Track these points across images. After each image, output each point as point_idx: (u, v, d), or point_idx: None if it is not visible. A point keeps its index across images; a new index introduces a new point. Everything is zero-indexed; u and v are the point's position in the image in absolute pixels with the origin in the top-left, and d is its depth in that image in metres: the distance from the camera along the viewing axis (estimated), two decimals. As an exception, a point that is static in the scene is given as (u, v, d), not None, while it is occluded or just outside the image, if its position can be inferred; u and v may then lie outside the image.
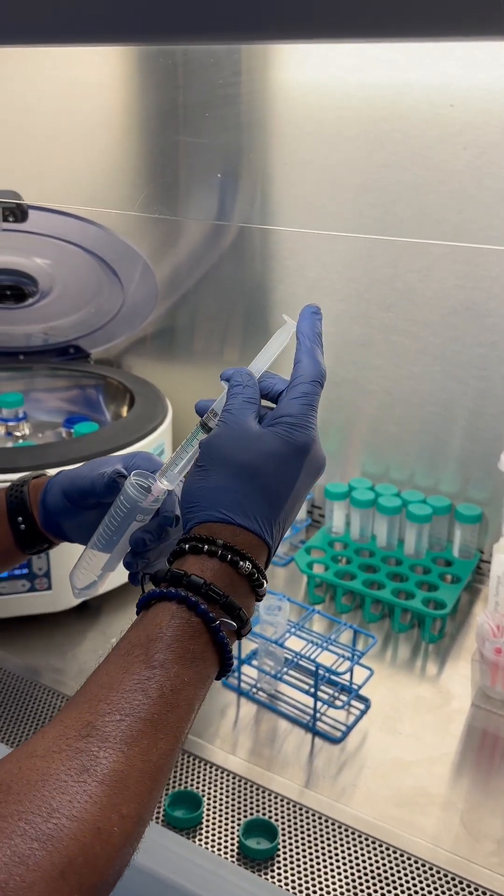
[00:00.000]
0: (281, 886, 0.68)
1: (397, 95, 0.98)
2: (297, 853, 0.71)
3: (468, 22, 0.83)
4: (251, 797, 0.76)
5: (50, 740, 0.41)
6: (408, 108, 0.97)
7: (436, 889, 0.68)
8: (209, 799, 0.76)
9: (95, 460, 0.65)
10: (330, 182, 1.06)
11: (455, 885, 0.68)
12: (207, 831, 0.73)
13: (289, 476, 0.51)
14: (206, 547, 0.48)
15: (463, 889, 0.68)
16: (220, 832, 0.73)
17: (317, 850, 0.71)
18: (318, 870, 0.69)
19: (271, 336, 0.58)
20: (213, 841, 0.72)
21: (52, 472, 0.69)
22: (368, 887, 0.68)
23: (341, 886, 0.68)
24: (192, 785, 0.77)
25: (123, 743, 0.41)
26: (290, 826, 0.73)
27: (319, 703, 0.85)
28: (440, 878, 0.69)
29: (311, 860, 0.70)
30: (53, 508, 0.65)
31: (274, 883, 0.68)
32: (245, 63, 1.07)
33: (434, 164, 0.98)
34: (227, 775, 0.79)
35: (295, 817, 0.74)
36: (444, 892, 0.68)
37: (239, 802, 0.76)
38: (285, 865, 0.70)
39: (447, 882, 0.69)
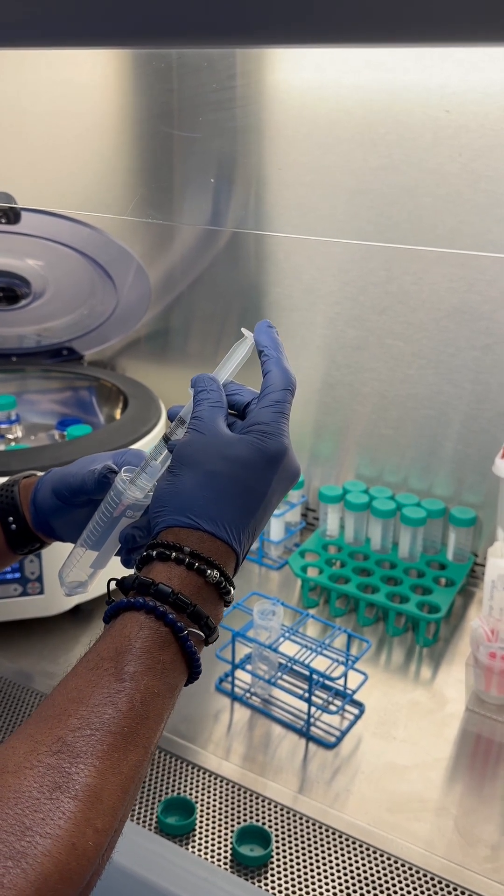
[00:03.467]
0: (275, 893, 0.68)
1: (392, 98, 0.97)
2: (291, 860, 0.70)
3: (474, 27, 0.83)
4: (245, 803, 0.76)
5: (21, 756, 0.40)
6: (403, 112, 0.97)
7: (430, 895, 0.68)
8: (202, 805, 0.75)
9: (85, 458, 0.65)
10: (325, 185, 1.06)
11: (449, 892, 0.68)
12: (201, 838, 0.72)
13: (260, 484, 0.50)
14: (173, 554, 0.48)
15: (456, 895, 0.68)
16: (213, 839, 0.72)
17: (310, 857, 0.71)
18: (312, 876, 0.69)
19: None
20: (206, 848, 0.71)
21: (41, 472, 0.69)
22: (363, 894, 0.68)
23: (335, 893, 0.68)
24: (185, 791, 0.77)
25: (95, 758, 0.41)
26: (283, 832, 0.73)
27: (313, 708, 0.85)
28: (434, 885, 0.69)
29: (305, 867, 0.70)
30: (44, 507, 0.65)
31: (268, 890, 0.68)
32: (240, 66, 1.06)
33: (429, 167, 0.98)
34: (221, 781, 0.78)
35: (288, 824, 0.74)
36: (438, 899, 0.68)
37: (232, 809, 0.75)
38: (279, 872, 0.69)
39: (441, 888, 0.68)
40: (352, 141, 1.02)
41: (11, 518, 0.67)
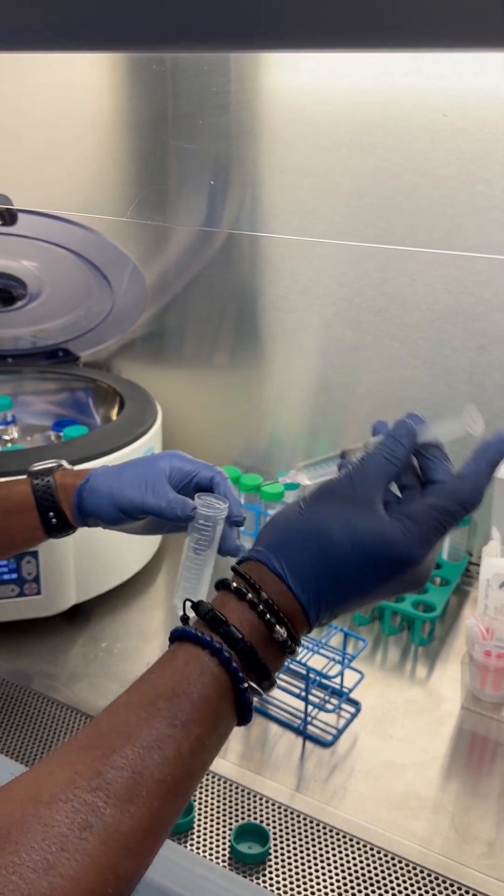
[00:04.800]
0: (273, 891, 0.68)
1: (390, 101, 0.98)
2: (289, 857, 0.71)
3: (471, 33, 0.84)
4: (242, 801, 0.76)
5: (58, 786, 0.39)
6: (401, 115, 0.98)
7: (427, 892, 0.68)
8: (200, 803, 0.76)
9: (140, 475, 0.70)
10: (322, 187, 1.06)
11: (446, 888, 0.69)
12: (199, 836, 0.73)
13: (370, 578, 0.47)
14: (249, 595, 0.47)
15: (454, 892, 0.68)
16: (211, 837, 0.73)
17: (308, 854, 0.71)
18: (310, 873, 0.69)
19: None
20: (204, 845, 0.72)
21: (70, 465, 0.76)
22: (360, 890, 0.68)
23: (333, 890, 0.68)
24: (183, 789, 0.77)
25: (131, 803, 0.39)
26: (281, 830, 0.73)
27: (310, 707, 0.85)
28: (431, 881, 0.69)
29: (303, 864, 0.70)
30: (99, 514, 0.70)
31: (266, 887, 0.68)
32: (236, 69, 1.07)
33: (426, 169, 0.98)
34: (218, 780, 0.79)
35: (286, 821, 0.74)
36: (434, 895, 0.68)
37: (230, 807, 0.76)
38: (277, 869, 0.70)
39: (438, 885, 0.69)
40: (349, 144, 1.03)
41: (52, 514, 0.72)
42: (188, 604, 0.49)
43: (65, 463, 0.77)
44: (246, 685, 0.45)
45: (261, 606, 0.46)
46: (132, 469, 0.72)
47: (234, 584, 0.48)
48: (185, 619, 0.49)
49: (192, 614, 0.48)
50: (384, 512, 0.48)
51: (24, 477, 0.75)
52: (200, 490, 0.71)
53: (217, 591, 0.50)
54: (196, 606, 0.48)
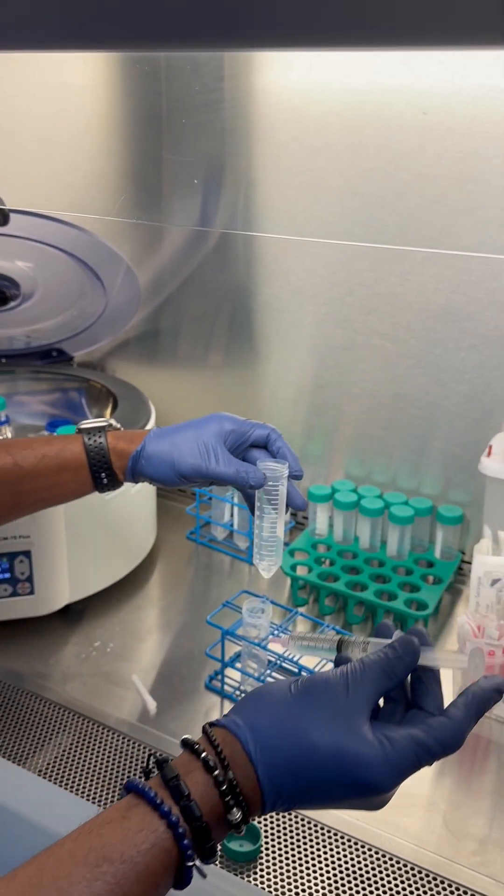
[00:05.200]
0: (264, 889, 0.68)
1: (380, 101, 0.98)
2: (280, 855, 0.71)
3: (460, 31, 0.84)
4: (235, 799, 0.77)
5: None
6: (391, 114, 0.98)
7: (417, 889, 0.68)
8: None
9: (198, 439, 0.73)
10: (313, 187, 1.07)
11: (436, 885, 0.69)
12: (191, 834, 0.73)
13: (337, 793, 0.47)
14: (216, 772, 0.47)
15: (445, 888, 0.69)
16: (203, 835, 0.73)
17: (299, 852, 0.71)
18: (301, 872, 0.70)
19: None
20: (196, 844, 0.72)
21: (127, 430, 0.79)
22: (351, 888, 0.68)
23: (324, 888, 0.68)
24: (175, 788, 0.77)
25: None
26: (272, 828, 0.74)
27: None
28: (422, 878, 0.69)
29: (294, 862, 0.71)
30: (158, 479, 0.74)
31: (257, 885, 0.68)
32: (228, 68, 1.07)
33: (417, 169, 0.99)
34: (211, 778, 0.79)
35: (277, 819, 0.75)
36: (426, 893, 0.68)
37: (222, 805, 0.76)
38: (268, 867, 0.70)
39: (429, 882, 0.69)
40: (340, 143, 1.03)
41: (104, 474, 0.76)
42: (152, 759, 0.49)
43: (114, 422, 0.80)
44: (192, 863, 0.45)
45: (225, 786, 0.46)
46: (187, 434, 0.74)
47: (204, 754, 0.47)
48: (147, 771, 0.48)
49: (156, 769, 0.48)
50: (370, 731, 0.47)
51: (75, 434, 0.78)
52: (254, 447, 0.75)
53: (182, 749, 0.49)
54: (161, 766, 0.47)
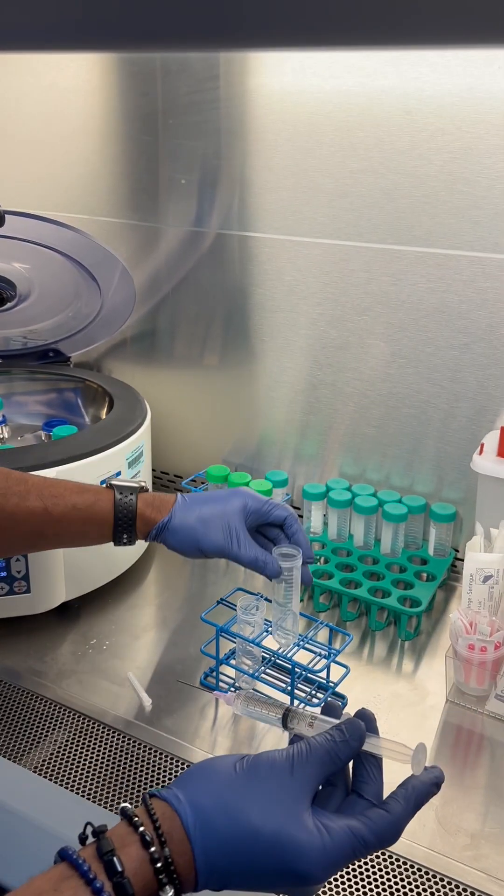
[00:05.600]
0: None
1: (371, 102, 0.99)
2: (274, 849, 0.72)
3: (450, 31, 0.85)
4: (229, 795, 0.77)
5: None
6: (381, 115, 0.99)
7: (411, 884, 0.69)
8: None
9: (222, 518, 0.79)
10: (305, 188, 1.07)
11: (430, 880, 0.70)
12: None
13: (271, 878, 0.47)
14: (153, 849, 0.46)
15: (437, 883, 0.69)
16: (197, 830, 0.73)
17: (293, 846, 0.72)
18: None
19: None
20: (190, 838, 0.73)
21: (161, 498, 0.83)
22: (344, 883, 0.69)
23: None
24: (170, 784, 0.78)
25: None
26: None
27: (296, 702, 0.86)
28: (415, 873, 0.70)
29: (288, 856, 0.71)
30: (180, 550, 0.81)
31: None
32: (223, 69, 1.08)
33: (407, 169, 0.99)
34: (205, 774, 0.79)
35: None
36: (419, 887, 0.69)
37: (216, 800, 0.77)
38: (262, 861, 0.71)
39: (421, 876, 0.70)
40: (331, 144, 1.04)
41: (126, 535, 0.80)
42: (89, 828, 0.48)
43: (145, 483, 0.86)
44: None
45: (160, 864, 0.46)
46: (212, 510, 0.80)
47: (142, 828, 0.47)
48: (83, 838, 0.48)
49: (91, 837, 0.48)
50: (310, 818, 0.48)
51: (106, 488, 0.82)
52: (270, 525, 0.83)
53: (121, 818, 0.49)
54: (98, 838, 0.47)
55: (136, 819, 0.48)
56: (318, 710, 0.59)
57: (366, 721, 0.53)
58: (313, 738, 0.51)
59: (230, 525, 0.79)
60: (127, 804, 0.49)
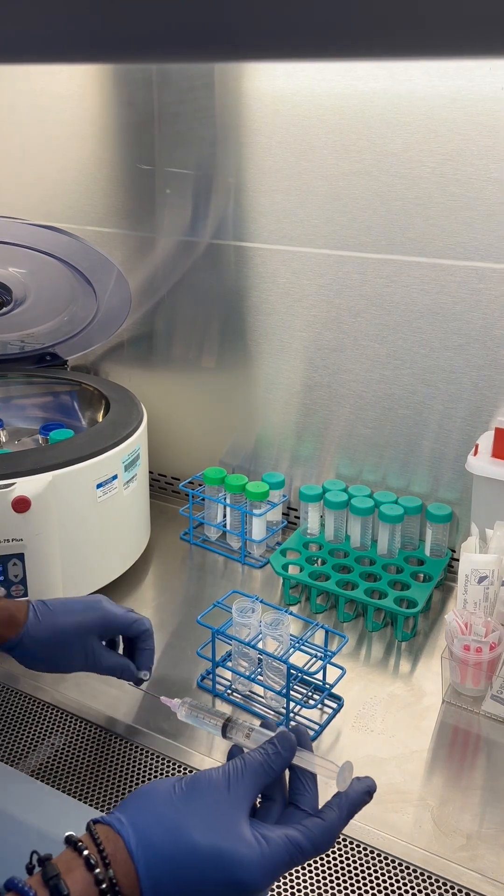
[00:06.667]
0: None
1: (363, 105, 0.99)
2: (270, 851, 0.72)
3: (443, 42, 0.86)
4: (225, 797, 0.78)
5: None
6: (374, 118, 0.99)
7: (408, 885, 0.69)
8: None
9: (76, 642, 0.78)
10: (299, 191, 1.08)
11: (426, 881, 0.70)
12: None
13: (213, 891, 0.49)
14: (98, 871, 0.48)
15: (433, 884, 0.69)
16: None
17: (289, 848, 0.72)
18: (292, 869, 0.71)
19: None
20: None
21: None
22: (341, 885, 0.69)
23: (314, 885, 0.69)
24: (167, 786, 0.78)
25: None
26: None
27: (292, 703, 0.87)
28: (411, 874, 0.70)
29: (284, 857, 0.71)
30: (35, 669, 0.79)
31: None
32: (218, 74, 1.08)
33: (399, 172, 1.00)
34: (202, 776, 0.80)
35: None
36: (415, 888, 0.69)
37: (213, 802, 0.77)
38: (258, 863, 0.71)
39: (417, 877, 0.70)
40: (324, 147, 1.04)
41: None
42: (35, 856, 0.50)
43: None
44: None
45: (105, 885, 0.47)
46: (67, 623, 0.78)
47: (86, 851, 0.48)
48: (31, 868, 0.50)
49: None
50: (248, 830, 0.50)
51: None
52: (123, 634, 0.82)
53: (66, 846, 0.50)
54: (43, 864, 0.49)
55: (80, 843, 0.49)
56: (258, 722, 0.62)
57: (299, 736, 0.56)
58: (248, 753, 0.54)
59: (86, 645, 0.78)
60: (72, 832, 0.51)
